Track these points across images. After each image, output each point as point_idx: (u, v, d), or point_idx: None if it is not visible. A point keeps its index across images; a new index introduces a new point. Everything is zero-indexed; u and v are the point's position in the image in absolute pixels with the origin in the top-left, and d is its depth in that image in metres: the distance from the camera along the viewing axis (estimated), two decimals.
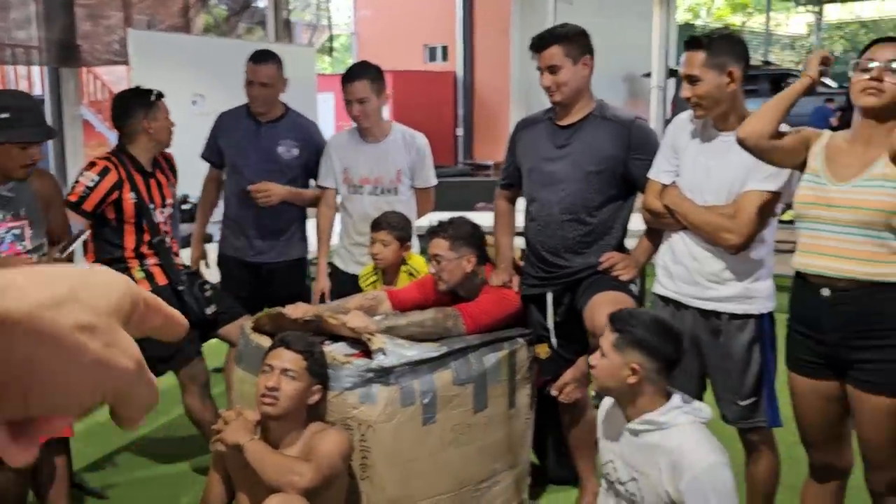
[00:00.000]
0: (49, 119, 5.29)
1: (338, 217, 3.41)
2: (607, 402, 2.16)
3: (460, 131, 16.78)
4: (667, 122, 8.30)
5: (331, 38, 15.32)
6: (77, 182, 2.87)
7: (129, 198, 2.86)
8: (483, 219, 2.92)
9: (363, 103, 3.13)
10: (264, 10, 10.69)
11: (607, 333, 2.00)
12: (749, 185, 2.23)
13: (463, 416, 2.45)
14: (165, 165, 3.06)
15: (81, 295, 0.38)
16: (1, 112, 2.29)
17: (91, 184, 2.83)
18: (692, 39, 2.31)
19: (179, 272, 2.96)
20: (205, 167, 3.49)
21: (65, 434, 2.48)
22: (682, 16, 24.46)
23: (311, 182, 3.40)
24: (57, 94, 5.52)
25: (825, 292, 2.02)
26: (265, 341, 2.38)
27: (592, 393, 2.79)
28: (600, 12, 12.77)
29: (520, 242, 2.85)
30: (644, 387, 1.95)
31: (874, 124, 1.98)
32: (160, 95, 2.95)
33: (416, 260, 3.12)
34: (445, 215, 2.83)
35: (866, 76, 1.95)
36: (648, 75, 10.82)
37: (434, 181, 3.36)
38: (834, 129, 2.29)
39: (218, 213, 3.60)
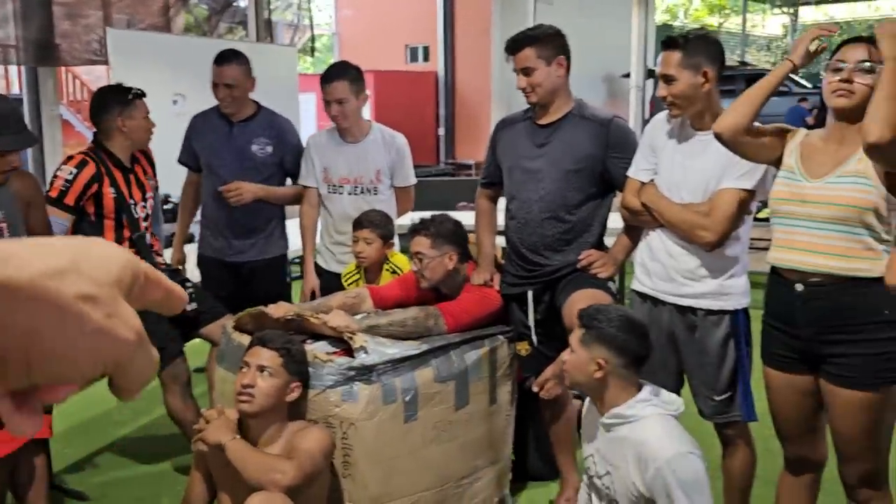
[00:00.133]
0: (27, 118, 5.25)
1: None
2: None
3: (442, 131, 16.80)
4: (645, 121, 8.36)
5: (312, 38, 15.26)
6: (55, 177, 2.85)
7: (108, 192, 2.85)
8: (465, 218, 2.94)
9: (342, 104, 3.13)
10: (245, 9, 10.64)
11: (576, 329, 2.04)
12: (724, 183, 2.27)
13: (444, 413, 2.47)
14: (144, 160, 3.05)
15: (83, 266, 0.39)
16: None
17: (70, 177, 2.81)
18: (668, 40, 2.35)
19: (160, 269, 2.95)
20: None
21: (44, 435, 2.47)
22: (660, 17, 24.67)
23: (288, 181, 3.40)
24: (35, 93, 5.47)
25: (799, 287, 2.05)
26: (247, 340, 2.38)
27: None
28: (580, 13, 12.85)
29: (501, 241, 2.88)
30: (611, 381, 1.99)
31: (847, 124, 2.02)
32: (139, 95, 2.93)
33: (399, 258, 3.14)
34: (427, 214, 2.85)
35: (837, 77, 1.98)
36: (627, 76, 10.88)
37: (413, 180, 3.37)
38: (810, 127, 2.33)
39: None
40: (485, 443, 2.65)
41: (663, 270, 2.39)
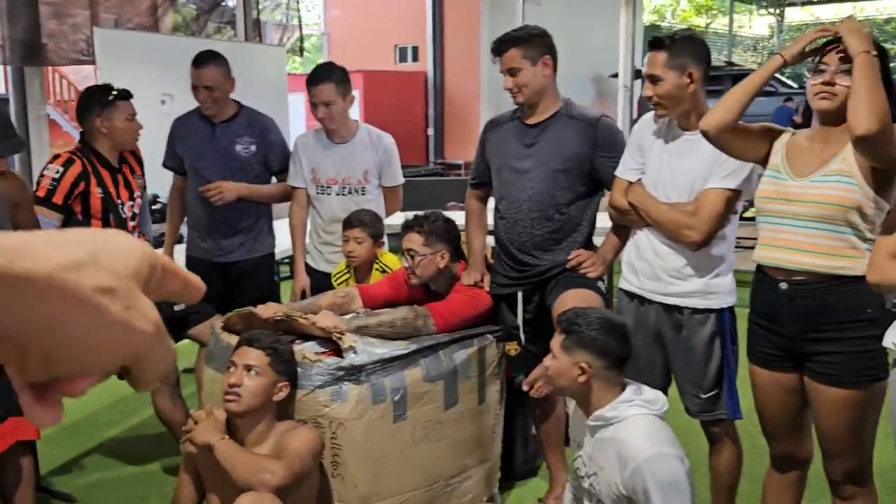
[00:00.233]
0: (13, 118, 5.21)
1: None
2: None
3: (431, 131, 16.79)
4: (633, 121, 8.41)
5: (301, 38, 15.22)
6: (42, 176, 2.84)
7: (96, 192, 2.84)
8: (454, 218, 2.94)
9: (329, 106, 3.13)
10: (234, 9, 10.61)
11: (556, 335, 2.05)
12: (710, 182, 2.28)
13: (433, 412, 2.48)
14: (132, 159, 3.03)
15: (101, 258, 0.39)
16: None
17: (56, 175, 2.80)
18: (655, 40, 2.36)
19: None
20: None
21: (30, 436, 2.46)
22: (648, 17, 24.79)
23: (272, 179, 3.40)
24: (22, 93, 5.44)
25: (783, 286, 2.06)
26: (235, 341, 2.38)
27: None
28: (568, 13, 12.89)
29: (492, 241, 2.89)
30: (595, 384, 2.00)
31: (831, 126, 2.03)
32: (121, 95, 2.89)
33: (388, 257, 3.15)
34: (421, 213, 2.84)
35: (819, 80, 2.00)
36: (616, 76, 10.93)
37: (401, 180, 3.38)
38: (798, 125, 2.35)
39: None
40: (474, 442, 2.66)
41: (650, 269, 2.41)
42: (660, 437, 1.94)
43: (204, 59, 3.19)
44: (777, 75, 2.32)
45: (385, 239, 3.24)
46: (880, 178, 1.96)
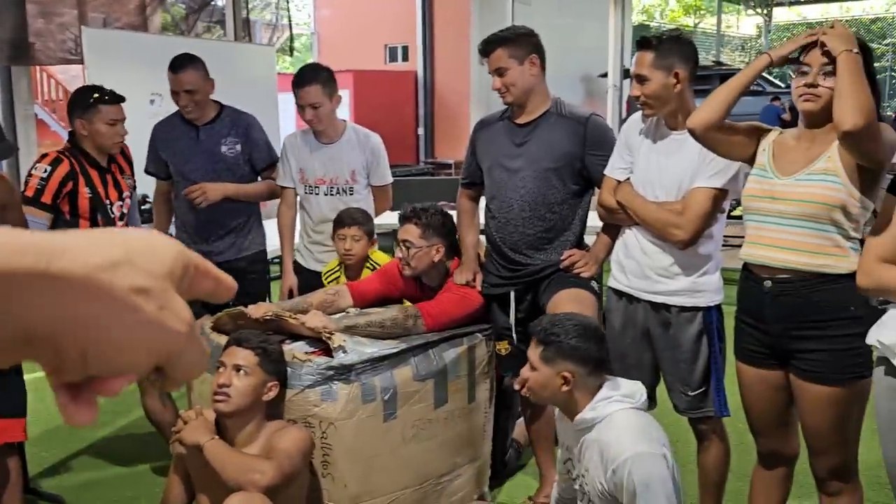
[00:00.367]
0: (1, 118, 5.19)
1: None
2: None
3: (421, 130, 16.79)
4: (622, 120, 8.43)
5: (291, 38, 15.18)
6: (30, 176, 2.82)
7: (84, 192, 2.83)
8: None
9: (316, 108, 3.12)
10: (223, 8, 10.58)
11: (533, 346, 2.04)
12: (697, 182, 2.30)
13: (423, 411, 2.49)
14: (121, 159, 3.02)
15: (136, 258, 0.39)
16: None
17: (44, 175, 2.79)
18: (642, 40, 2.38)
19: None
20: None
21: (17, 438, 2.45)
22: (637, 17, 24.87)
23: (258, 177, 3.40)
24: (9, 92, 5.41)
25: (767, 284, 2.08)
26: (225, 340, 2.38)
27: None
28: (558, 13, 12.92)
29: (484, 240, 2.89)
30: (578, 390, 2.00)
31: (817, 123, 2.05)
32: (104, 99, 2.86)
33: (379, 256, 3.15)
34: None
35: (803, 81, 2.02)
36: (605, 75, 10.97)
37: (390, 179, 3.38)
38: (786, 123, 2.36)
39: None
40: (464, 440, 2.66)
41: (638, 268, 2.42)
42: (641, 433, 1.94)
43: (181, 63, 3.14)
44: (765, 74, 2.34)
45: (375, 237, 3.25)
46: (866, 177, 1.98)
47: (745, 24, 29.93)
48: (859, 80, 1.89)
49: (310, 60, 18.98)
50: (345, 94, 3.32)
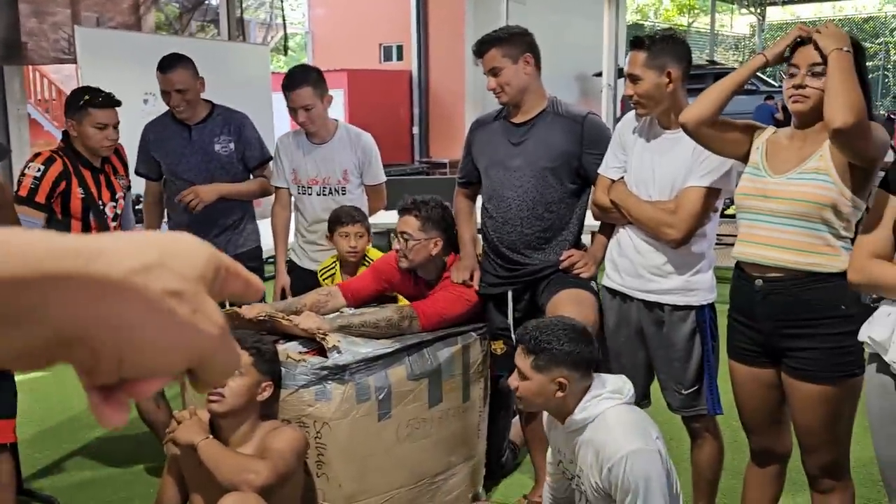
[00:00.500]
0: None
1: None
2: None
3: (416, 130, 16.79)
4: (617, 120, 8.45)
5: (285, 37, 15.16)
6: (24, 175, 2.81)
7: (77, 193, 2.82)
8: None
9: (308, 110, 3.12)
10: (217, 7, 10.56)
11: (523, 355, 2.02)
12: (690, 181, 2.31)
13: (418, 410, 2.49)
14: (115, 159, 3.01)
15: (169, 262, 0.39)
16: None
17: (38, 174, 2.78)
18: (635, 40, 2.38)
19: None
20: None
21: (7, 439, 2.44)
22: (631, 16, 24.93)
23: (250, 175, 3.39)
24: (1, 92, 5.39)
25: (758, 282, 2.09)
26: None
27: None
28: (552, 12, 12.92)
29: (480, 239, 2.89)
30: (571, 394, 2.00)
31: (808, 123, 2.06)
32: (94, 102, 2.84)
33: (374, 253, 3.16)
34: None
35: (792, 82, 2.02)
36: (599, 75, 10.98)
37: (383, 178, 3.37)
38: (780, 122, 2.37)
39: None
40: (458, 439, 2.67)
41: (631, 267, 2.43)
42: (634, 430, 1.95)
43: (171, 63, 3.13)
44: (758, 73, 2.35)
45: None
46: (858, 176, 1.99)
47: (739, 23, 30.06)
48: (850, 79, 1.90)
49: (304, 60, 18.97)
50: (339, 94, 3.33)
